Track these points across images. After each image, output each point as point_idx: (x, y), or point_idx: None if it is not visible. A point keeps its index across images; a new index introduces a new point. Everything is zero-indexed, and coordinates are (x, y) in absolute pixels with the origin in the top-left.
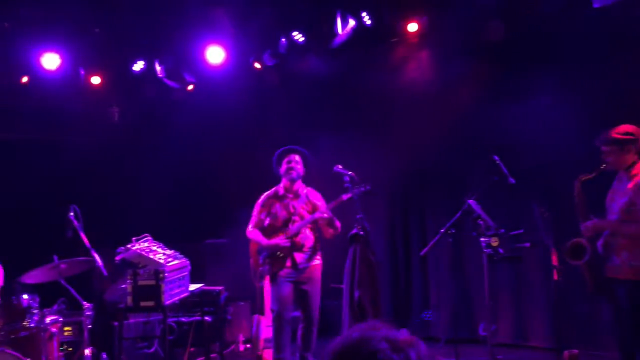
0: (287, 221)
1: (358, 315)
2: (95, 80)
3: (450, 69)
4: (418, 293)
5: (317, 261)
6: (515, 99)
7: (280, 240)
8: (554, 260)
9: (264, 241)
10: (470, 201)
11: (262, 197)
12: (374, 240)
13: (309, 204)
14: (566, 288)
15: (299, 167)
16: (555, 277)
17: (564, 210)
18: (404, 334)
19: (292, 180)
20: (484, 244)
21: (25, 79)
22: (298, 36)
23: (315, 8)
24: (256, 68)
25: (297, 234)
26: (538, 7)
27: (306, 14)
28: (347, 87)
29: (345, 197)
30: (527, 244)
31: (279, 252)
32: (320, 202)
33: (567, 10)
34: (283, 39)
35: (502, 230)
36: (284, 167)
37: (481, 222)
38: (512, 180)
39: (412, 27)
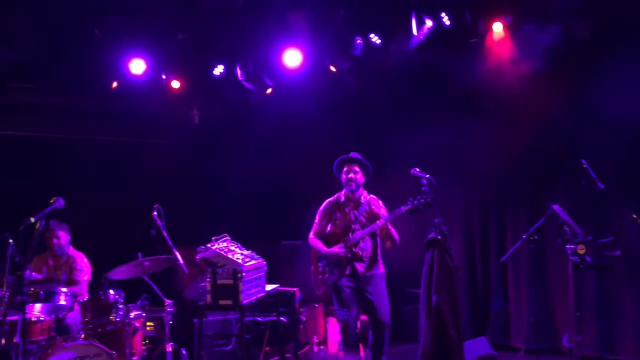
0: (347, 229)
1: (436, 321)
2: (176, 84)
3: (534, 69)
4: (496, 301)
5: (379, 270)
6: (603, 100)
7: (339, 249)
8: None
9: (324, 249)
10: (555, 207)
11: (324, 204)
12: (450, 245)
13: (370, 212)
14: None
15: (359, 177)
16: None
17: None
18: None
19: (352, 191)
20: (569, 252)
21: (114, 84)
22: (374, 38)
23: (392, 9)
24: (332, 71)
25: (356, 243)
26: (622, 6)
27: (383, 15)
28: (425, 89)
29: (404, 208)
30: (618, 252)
31: (337, 261)
32: (381, 210)
33: None
34: (359, 41)
35: (590, 238)
36: (343, 176)
37: (567, 229)
38: (601, 185)
39: (497, 26)
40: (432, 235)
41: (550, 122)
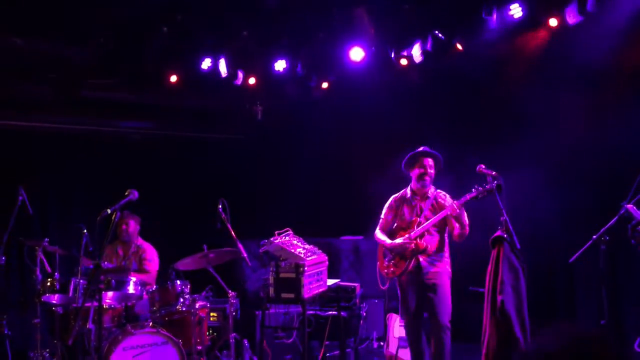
0: (412, 223)
1: (500, 321)
2: (241, 80)
3: (610, 61)
4: (562, 302)
5: (444, 267)
6: None
7: (403, 241)
8: None
9: (388, 243)
10: (629, 206)
11: (391, 199)
12: (517, 243)
13: (435, 205)
14: None
15: (432, 172)
16: None
17: None
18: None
19: (424, 186)
20: None
21: (175, 79)
22: (440, 33)
23: (458, 3)
24: (396, 66)
25: (421, 235)
26: None
27: (448, 10)
28: (492, 84)
29: (469, 196)
30: None
31: (402, 255)
32: (447, 203)
33: None
34: (425, 37)
35: None
36: (416, 171)
37: None
38: None
39: (572, 16)
40: (498, 233)
41: (623, 117)
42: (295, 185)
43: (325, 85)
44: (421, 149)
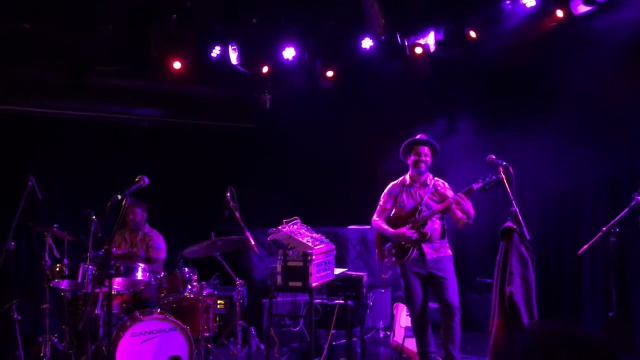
0: (413, 210)
1: (509, 312)
2: (252, 68)
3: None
4: (570, 294)
5: (446, 252)
6: None
7: (406, 230)
8: None
9: (390, 231)
10: None
11: (389, 186)
12: (527, 234)
13: (436, 194)
14: None
15: (428, 159)
16: None
17: None
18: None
19: (420, 173)
20: None
21: (179, 65)
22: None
23: None
24: (406, 55)
25: (424, 223)
26: None
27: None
28: (506, 71)
29: (475, 186)
30: None
31: (404, 243)
32: (447, 191)
33: None
34: (438, 26)
35: None
36: (412, 158)
37: None
38: None
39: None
40: (507, 224)
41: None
42: (303, 174)
43: (332, 73)
44: (418, 137)
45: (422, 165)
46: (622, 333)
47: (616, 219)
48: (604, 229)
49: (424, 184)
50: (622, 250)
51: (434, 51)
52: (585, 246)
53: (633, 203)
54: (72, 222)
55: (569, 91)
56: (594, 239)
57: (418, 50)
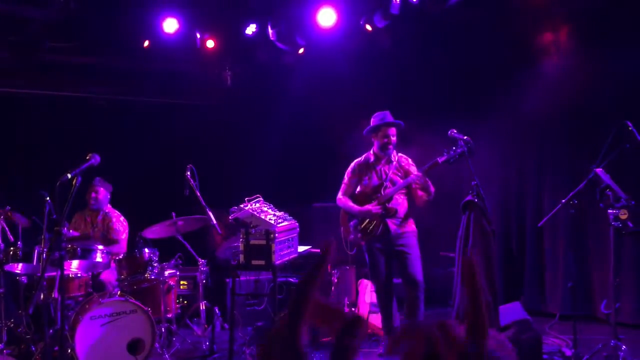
0: (378, 187)
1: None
2: (210, 44)
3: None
4: (531, 266)
5: (411, 227)
6: None
7: (372, 206)
8: None
9: (355, 208)
10: (598, 170)
11: (353, 164)
12: (488, 208)
13: (400, 169)
14: None
15: (394, 139)
16: None
17: None
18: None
19: (388, 154)
20: (612, 217)
21: (146, 43)
22: None
23: None
24: (367, 30)
25: (389, 199)
26: None
27: None
28: (462, 50)
29: (440, 159)
30: None
31: (370, 219)
32: (411, 167)
33: None
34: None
35: (633, 202)
36: (380, 139)
37: (609, 193)
38: None
39: None
40: (469, 197)
41: (597, 82)
42: (265, 151)
43: (297, 50)
44: (387, 119)
45: (390, 147)
46: (582, 302)
47: (574, 191)
48: (563, 201)
49: (389, 161)
50: (581, 222)
51: (384, 26)
52: (545, 218)
53: (591, 175)
54: (27, 203)
55: None
56: (553, 211)
57: (368, 27)
